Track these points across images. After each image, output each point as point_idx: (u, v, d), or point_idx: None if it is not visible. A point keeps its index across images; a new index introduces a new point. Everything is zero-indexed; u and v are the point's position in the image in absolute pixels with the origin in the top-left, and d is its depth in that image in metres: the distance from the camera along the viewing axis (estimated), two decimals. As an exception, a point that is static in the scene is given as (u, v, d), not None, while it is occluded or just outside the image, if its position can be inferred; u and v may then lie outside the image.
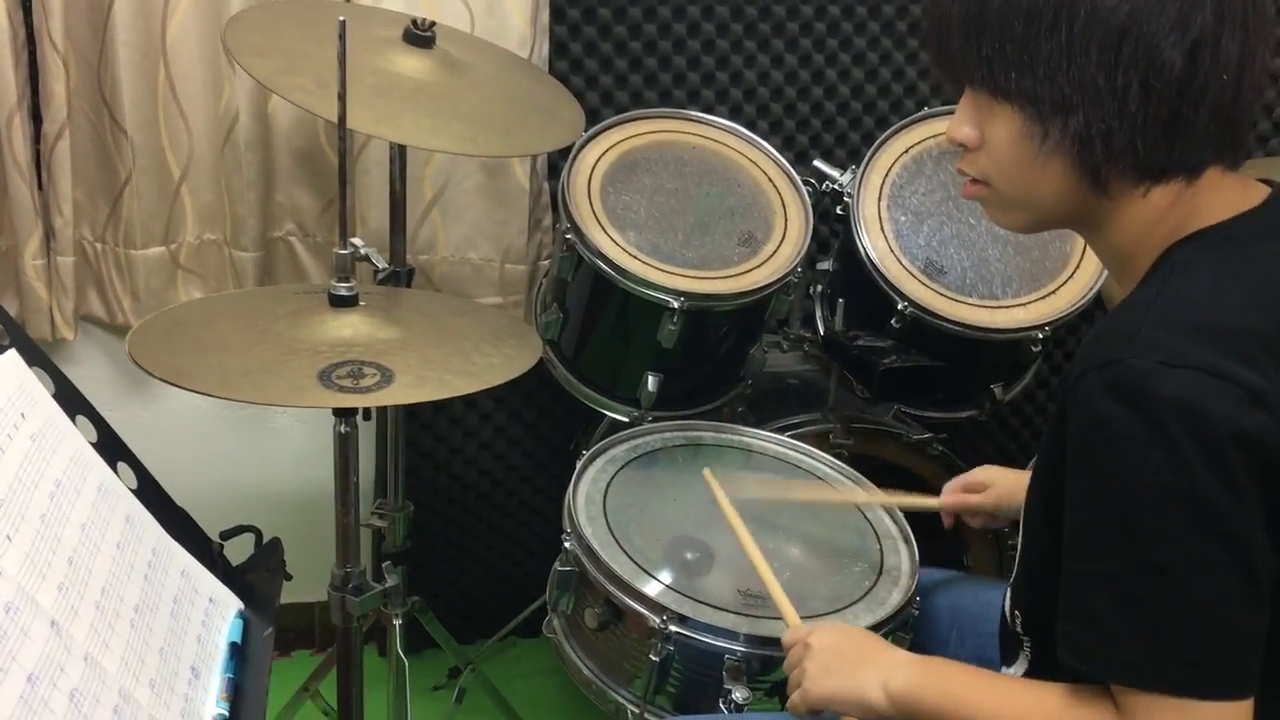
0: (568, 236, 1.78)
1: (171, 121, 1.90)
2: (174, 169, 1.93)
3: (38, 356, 1.10)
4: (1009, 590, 1.25)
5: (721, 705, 1.38)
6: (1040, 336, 1.85)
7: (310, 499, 2.23)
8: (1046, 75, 0.98)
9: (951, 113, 1.10)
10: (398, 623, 1.80)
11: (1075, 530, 0.99)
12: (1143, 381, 0.92)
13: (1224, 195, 1.03)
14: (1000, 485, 1.52)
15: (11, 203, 1.84)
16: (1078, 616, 0.99)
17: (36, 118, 1.84)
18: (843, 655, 1.18)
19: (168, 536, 1.16)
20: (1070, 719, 1.01)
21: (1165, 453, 0.90)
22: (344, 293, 1.34)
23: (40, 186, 1.87)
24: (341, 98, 1.22)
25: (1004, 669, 1.27)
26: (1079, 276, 1.89)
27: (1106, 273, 1.85)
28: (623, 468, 1.69)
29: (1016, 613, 1.22)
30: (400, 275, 1.79)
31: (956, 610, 1.54)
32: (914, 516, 1.64)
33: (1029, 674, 1.21)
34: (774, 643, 1.39)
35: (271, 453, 2.25)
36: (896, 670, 1.14)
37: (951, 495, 1.55)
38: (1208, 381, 0.91)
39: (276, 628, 1.23)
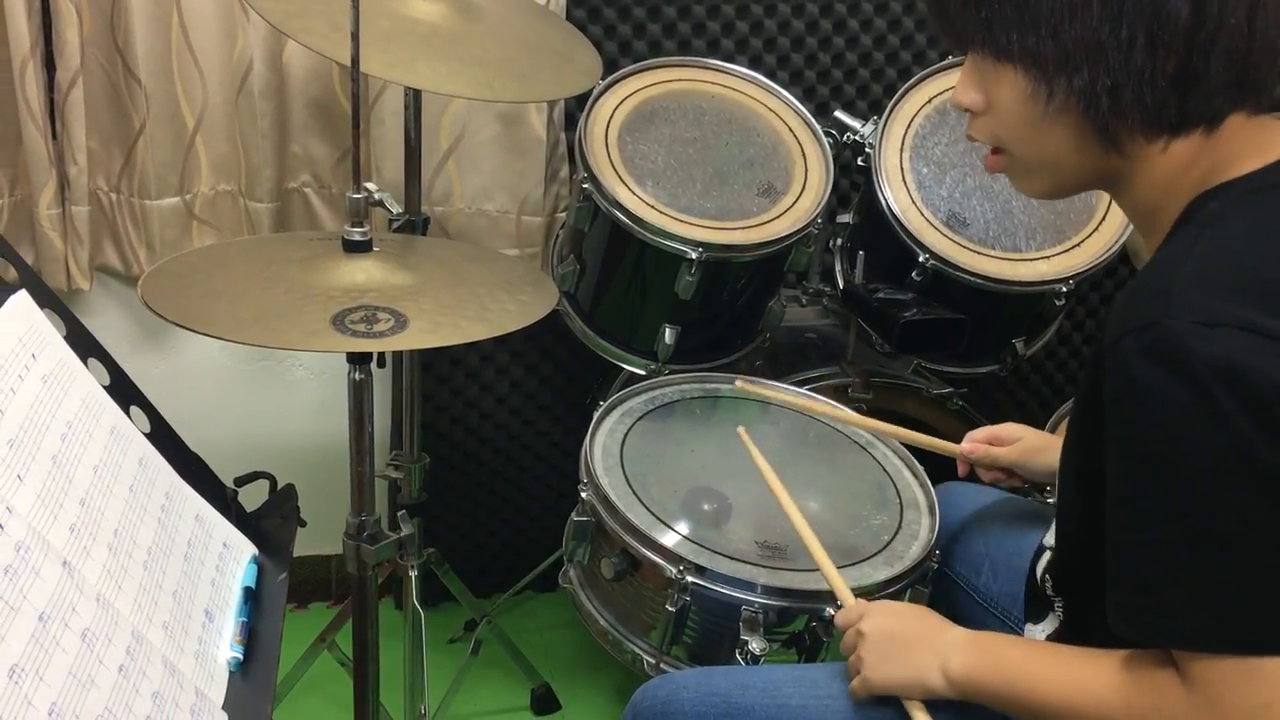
0: (584, 186, 1.76)
1: (185, 70, 1.88)
2: (188, 118, 1.92)
3: (49, 299, 1.09)
4: (1040, 555, 1.24)
5: (738, 656, 1.38)
6: (1064, 290, 1.82)
7: (327, 452, 2.23)
8: (1048, 33, 0.96)
9: None
10: (414, 574, 1.81)
11: (1120, 500, 0.96)
12: (1180, 343, 0.88)
13: (1249, 144, 0.99)
14: (1027, 442, 1.49)
15: (26, 152, 1.83)
16: (1130, 586, 0.96)
17: (50, 66, 1.82)
18: (897, 641, 1.16)
19: (181, 481, 1.15)
20: (1133, 690, 0.98)
21: (1209, 415, 0.87)
22: (358, 238, 1.32)
23: (54, 135, 1.86)
24: (355, 36, 1.20)
25: (1029, 626, 1.26)
26: (1104, 229, 1.85)
27: (1132, 226, 1.82)
28: (640, 419, 1.67)
29: (1047, 576, 1.20)
30: (416, 224, 1.77)
31: (990, 537, 1.53)
32: (929, 463, 1.63)
33: (1059, 633, 1.20)
34: (792, 594, 1.38)
35: (288, 405, 2.24)
36: (953, 652, 1.12)
37: (974, 444, 1.53)
38: (1247, 339, 0.87)
39: (292, 577, 1.22)
